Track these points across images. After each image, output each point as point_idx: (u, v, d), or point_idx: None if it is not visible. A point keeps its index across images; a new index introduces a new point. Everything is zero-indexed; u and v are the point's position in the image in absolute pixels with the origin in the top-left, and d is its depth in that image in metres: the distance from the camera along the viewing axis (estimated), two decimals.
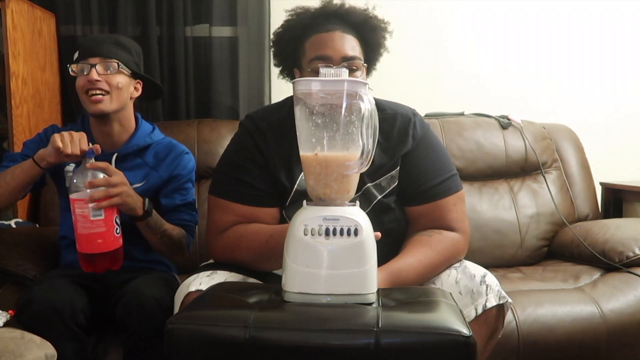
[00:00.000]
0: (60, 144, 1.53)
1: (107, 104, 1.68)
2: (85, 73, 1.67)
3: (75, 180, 1.53)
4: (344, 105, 1.12)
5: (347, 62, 1.44)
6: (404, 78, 2.65)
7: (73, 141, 1.54)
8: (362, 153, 1.11)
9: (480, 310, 1.34)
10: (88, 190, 1.51)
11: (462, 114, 2.53)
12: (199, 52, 2.57)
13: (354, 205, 1.17)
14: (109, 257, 1.55)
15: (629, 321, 1.81)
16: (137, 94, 1.78)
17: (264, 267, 1.44)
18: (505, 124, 2.44)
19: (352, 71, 1.46)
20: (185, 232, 1.77)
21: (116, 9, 2.44)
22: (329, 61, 1.43)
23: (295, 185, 1.46)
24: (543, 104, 2.75)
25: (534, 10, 2.74)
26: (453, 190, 1.52)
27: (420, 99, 2.65)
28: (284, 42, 1.54)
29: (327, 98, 1.14)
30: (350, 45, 1.46)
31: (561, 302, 1.82)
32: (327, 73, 1.14)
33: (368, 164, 1.12)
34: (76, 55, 1.71)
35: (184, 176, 1.79)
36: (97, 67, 1.66)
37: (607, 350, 1.78)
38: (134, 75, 1.76)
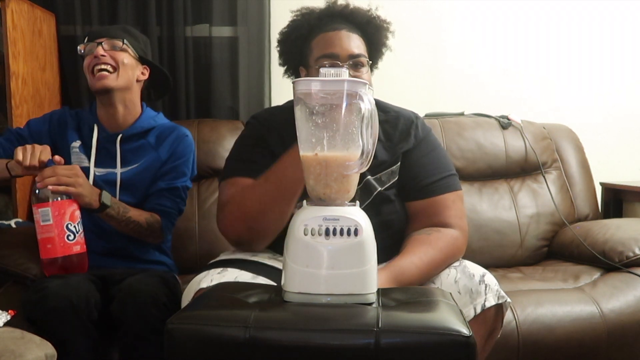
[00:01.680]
0: (20, 157, 1.56)
1: (113, 80, 1.74)
2: (92, 52, 1.74)
3: (36, 191, 1.57)
4: (344, 105, 1.12)
5: (353, 59, 1.49)
6: (404, 78, 2.66)
7: (33, 154, 1.56)
8: (362, 153, 1.11)
9: (479, 310, 1.34)
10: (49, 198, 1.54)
11: (462, 114, 2.53)
12: (199, 52, 2.57)
13: (354, 205, 1.17)
14: (64, 263, 1.55)
15: (629, 321, 1.81)
16: (143, 78, 1.83)
17: (275, 213, 1.41)
18: (505, 124, 2.44)
19: (357, 67, 1.50)
20: (161, 217, 1.77)
21: (116, 9, 2.45)
22: (336, 59, 1.47)
23: None
24: (543, 104, 2.75)
25: (534, 10, 2.74)
26: (452, 188, 1.55)
27: (420, 99, 2.66)
28: (290, 41, 1.58)
29: (327, 98, 1.14)
30: (356, 44, 1.51)
31: (561, 301, 1.82)
32: (327, 73, 1.14)
33: (368, 164, 1.12)
34: (86, 39, 1.80)
35: (180, 157, 1.81)
36: (103, 44, 1.74)
37: (607, 350, 1.79)
38: (141, 60, 1.82)
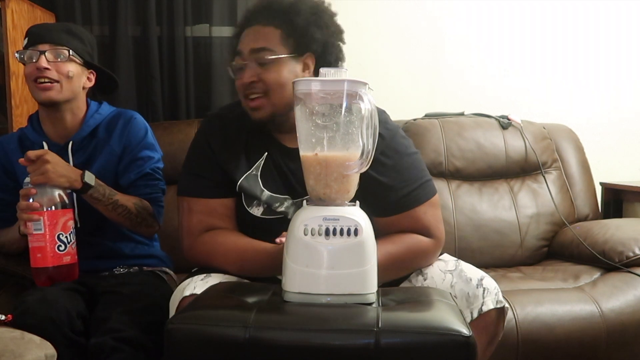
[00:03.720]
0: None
1: (57, 93, 1.63)
2: (34, 60, 1.61)
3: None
4: (344, 105, 1.12)
5: (255, 54, 1.40)
6: (404, 78, 2.65)
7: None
8: (362, 153, 1.11)
9: (475, 314, 1.32)
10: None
11: (462, 114, 2.53)
12: (199, 52, 2.57)
13: (354, 205, 1.17)
14: (54, 273, 1.53)
15: (629, 320, 1.81)
16: (90, 84, 1.73)
17: (237, 272, 1.42)
18: (505, 124, 2.44)
19: (262, 65, 1.39)
20: (150, 204, 1.71)
21: (116, 9, 2.44)
22: (241, 56, 1.42)
23: (240, 181, 1.46)
24: (543, 104, 2.75)
25: (534, 10, 2.74)
26: (423, 199, 1.44)
27: (420, 99, 2.66)
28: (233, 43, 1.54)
29: (327, 98, 1.14)
30: (263, 37, 1.40)
31: (561, 301, 1.82)
32: (327, 73, 1.14)
33: (368, 164, 1.12)
34: (25, 41, 1.65)
35: (137, 144, 1.73)
36: (46, 54, 1.61)
37: (606, 349, 1.79)
38: (87, 65, 1.71)
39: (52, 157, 1.54)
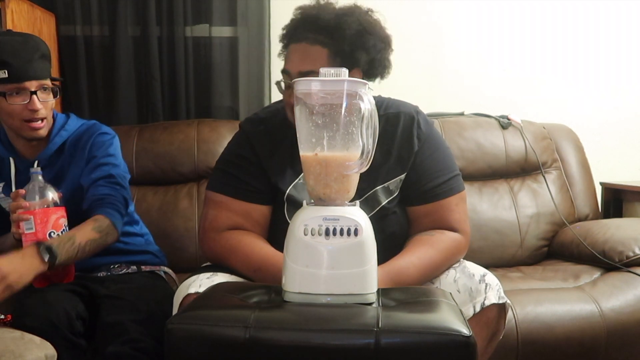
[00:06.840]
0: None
1: (45, 128, 1.64)
2: (22, 99, 1.57)
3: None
4: (344, 105, 1.12)
5: (303, 77, 1.35)
6: (403, 78, 2.64)
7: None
8: (362, 153, 1.11)
9: (478, 308, 1.34)
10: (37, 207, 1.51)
11: (462, 114, 2.53)
12: (199, 52, 2.57)
13: (354, 205, 1.17)
14: (49, 272, 1.50)
15: (629, 320, 1.81)
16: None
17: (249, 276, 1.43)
18: (505, 124, 2.44)
19: None
20: (104, 208, 1.60)
21: (116, 9, 2.44)
22: (288, 75, 1.42)
23: (288, 190, 1.47)
24: (543, 104, 2.75)
25: (534, 10, 2.74)
26: (455, 190, 1.51)
27: (420, 99, 2.64)
28: (281, 46, 1.53)
29: (327, 98, 1.14)
30: (310, 59, 1.39)
31: (561, 300, 1.82)
32: (327, 73, 1.14)
33: (368, 164, 1.12)
34: (3, 74, 1.55)
35: (101, 156, 1.67)
36: (37, 94, 1.58)
37: (606, 349, 1.79)
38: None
39: (5, 267, 1.39)
